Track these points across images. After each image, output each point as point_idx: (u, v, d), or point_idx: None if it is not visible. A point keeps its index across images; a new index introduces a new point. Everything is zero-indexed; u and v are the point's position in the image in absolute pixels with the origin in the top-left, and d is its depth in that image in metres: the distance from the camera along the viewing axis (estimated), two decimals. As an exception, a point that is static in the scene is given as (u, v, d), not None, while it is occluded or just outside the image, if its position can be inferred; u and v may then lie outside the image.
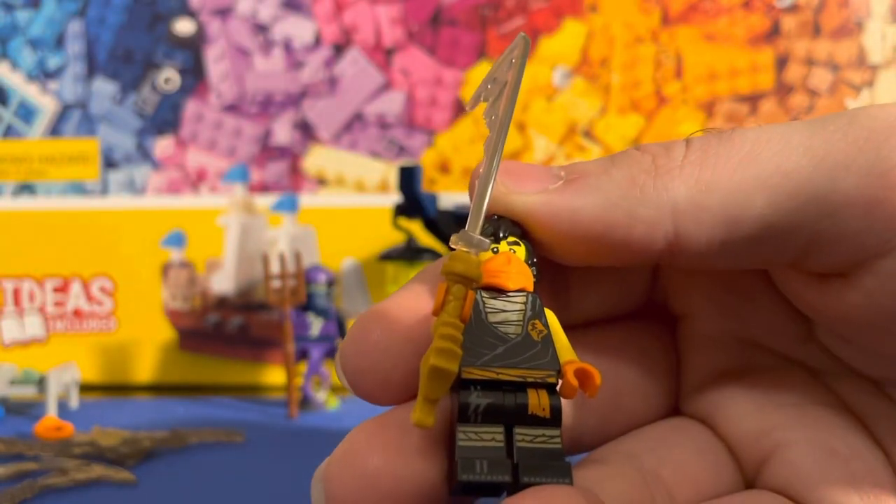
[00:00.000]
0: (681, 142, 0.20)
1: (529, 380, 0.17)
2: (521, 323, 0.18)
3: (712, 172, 0.18)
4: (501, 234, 0.19)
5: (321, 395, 0.58)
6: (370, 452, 0.17)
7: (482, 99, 0.21)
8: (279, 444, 0.49)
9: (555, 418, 0.17)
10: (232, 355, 0.69)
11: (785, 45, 0.69)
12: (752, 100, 0.69)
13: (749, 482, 0.22)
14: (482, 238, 0.18)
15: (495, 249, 0.19)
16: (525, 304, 0.19)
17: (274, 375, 0.69)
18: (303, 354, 0.58)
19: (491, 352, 0.18)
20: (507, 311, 0.18)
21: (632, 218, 0.19)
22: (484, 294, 0.18)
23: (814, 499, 0.20)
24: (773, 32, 0.69)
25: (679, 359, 0.24)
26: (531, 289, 0.19)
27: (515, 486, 0.17)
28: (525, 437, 0.17)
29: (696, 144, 0.19)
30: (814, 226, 0.18)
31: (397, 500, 0.17)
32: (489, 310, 0.18)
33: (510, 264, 0.19)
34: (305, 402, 0.58)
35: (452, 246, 0.18)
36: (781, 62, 0.69)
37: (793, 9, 0.69)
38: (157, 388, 0.69)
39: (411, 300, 0.19)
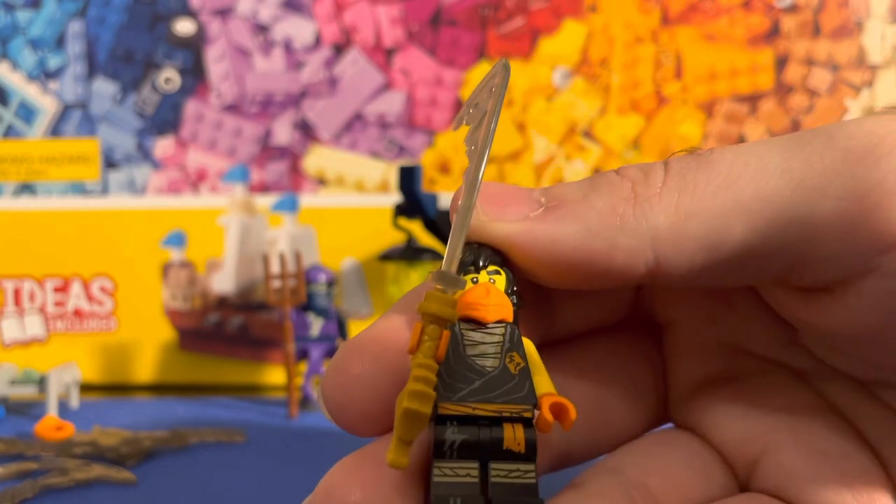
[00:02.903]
0: (660, 165, 0.19)
1: (505, 414, 0.17)
2: (498, 355, 0.18)
3: (691, 199, 0.18)
4: (482, 263, 0.19)
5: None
6: (349, 490, 0.17)
7: (465, 123, 0.20)
8: (279, 444, 0.49)
9: (529, 453, 0.17)
10: (232, 355, 0.69)
11: (785, 45, 0.69)
12: (752, 100, 0.70)
13: (742, 487, 0.22)
14: (457, 277, 0.18)
15: (475, 279, 0.19)
16: (503, 336, 0.18)
17: (274, 375, 0.69)
18: (303, 354, 0.58)
19: (468, 386, 0.17)
20: (485, 343, 0.18)
21: (612, 247, 0.19)
22: (463, 326, 0.18)
23: (806, 499, 0.20)
24: (773, 32, 0.69)
25: (665, 368, 0.24)
26: (510, 319, 0.19)
27: None
28: (500, 472, 0.17)
29: (674, 169, 0.19)
30: (794, 248, 0.18)
31: None
32: (467, 342, 0.18)
33: (489, 296, 0.19)
34: (305, 402, 0.58)
35: (430, 283, 0.18)
36: (781, 62, 0.69)
37: (793, 9, 0.69)
38: (157, 388, 0.69)
39: (390, 331, 0.19)
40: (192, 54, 0.70)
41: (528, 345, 0.19)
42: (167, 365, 0.69)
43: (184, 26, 0.70)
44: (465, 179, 0.19)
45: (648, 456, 0.21)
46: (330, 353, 0.59)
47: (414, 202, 0.59)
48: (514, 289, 0.19)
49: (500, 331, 0.18)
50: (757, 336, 0.23)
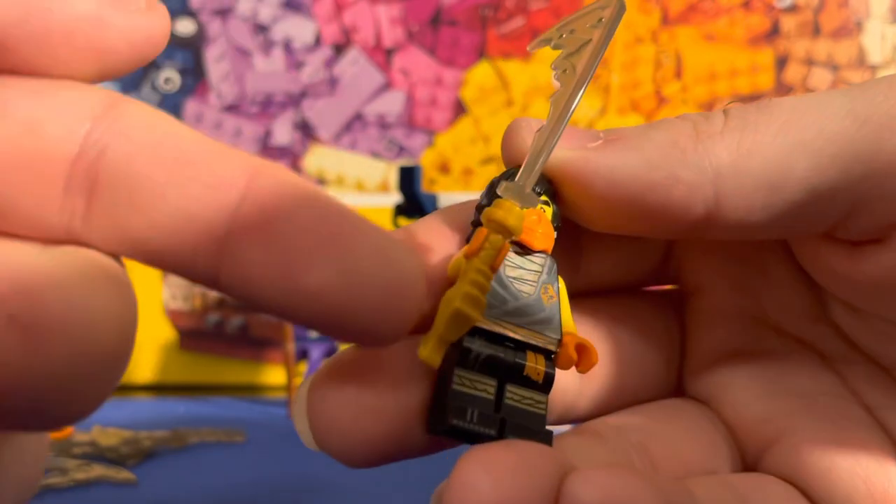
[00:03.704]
0: (719, 111, 0.19)
1: (532, 342, 0.18)
2: (535, 284, 0.18)
3: (753, 138, 0.18)
4: (536, 191, 0.19)
5: (321, 395, 0.58)
6: (354, 372, 0.17)
7: (553, 47, 0.20)
8: (279, 444, 0.49)
9: (546, 385, 0.18)
10: (232, 355, 0.69)
11: (785, 45, 0.69)
12: (753, 100, 0.69)
13: (749, 467, 0.22)
14: (532, 194, 0.17)
15: None
16: (543, 266, 0.19)
17: (274, 375, 0.69)
18: (303, 354, 0.58)
19: (502, 306, 0.18)
20: (526, 268, 0.18)
21: (672, 180, 0.18)
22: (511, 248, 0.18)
23: (818, 487, 0.20)
24: (773, 32, 0.69)
25: (686, 337, 0.23)
26: (550, 252, 0.19)
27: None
28: (515, 395, 0.17)
29: (734, 113, 0.19)
30: (857, 188, 0.18)
31: (376, 420, 0.17)
32: (509, 264, 0.18)
33: (540, 223, 0.19)
34: (305, 402, 0.58)
35: (500, 193, 0.17)
36: (781, 62, 0.69)
37: (793, 9, 0.69)
38: (157, 388, 0.69)
39: (435, 234, 0.19)
40: (191, 54, 0.70)
41: (561, 283, 0.19)
42: (167, 365, 0.69)
43: (184, 26, 0.70)
44: (555, 103, 0.18)
45: (654, 421, 0.21)
46: (330, 353, 0.59)
47: (414, 202, 0.59)
48: (559, 224, 0.19)
49: (541, 260, 0.19)
50: (786, 308, 0.22)
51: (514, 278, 0.18)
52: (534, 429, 0.17)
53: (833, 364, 0.22)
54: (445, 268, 0.18)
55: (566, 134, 0.19)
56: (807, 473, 0.20)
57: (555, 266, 0.19)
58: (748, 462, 0.22)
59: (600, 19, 0.19)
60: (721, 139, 0.18)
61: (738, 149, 0.18)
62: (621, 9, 0.19)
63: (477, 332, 0.17)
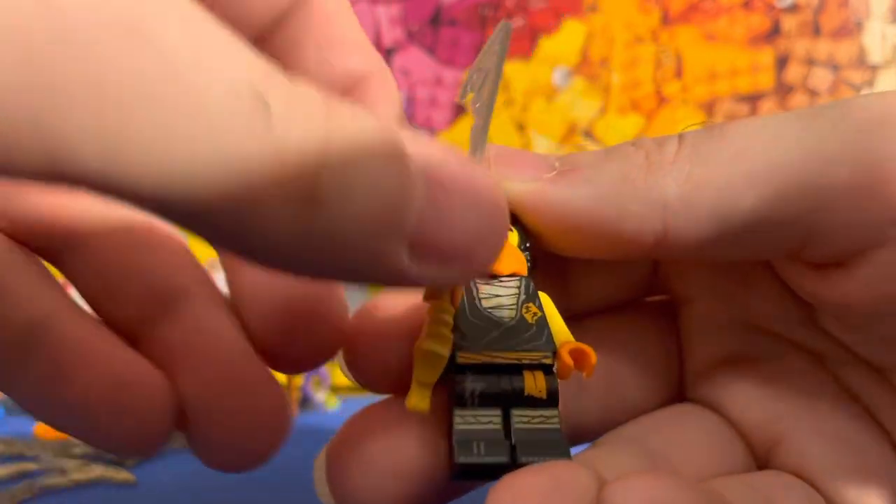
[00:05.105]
0: (674, 137, 0.20)
1: (525, 362, 0.18)
2: (514, 307, 0.18)
3: (702, 169, 0.18)
4: None
5: (321, 395, 0.58)
6: (369, 436, 0.17)
7: (471, 89, 0.21)
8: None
9: (551, 399, 0.18)
10: (232, 355, 0.69)
11: (785, 44, 0.69)
12: (752, 100, 0.69)
13: (761, 465, 0.22)
14: None
15: None
16: (518, 288, 0.19)
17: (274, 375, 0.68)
18: (303, 354, 0.58)
19: (485, 336, 0.18)
20: (501, 295, 0.18)
21: (622, 213, 0.19)
22: (477, 280, 0.19)
23: (827, 487, 0.20)
24: (774, 32, 0.69)
25: (682, 345, 0.24)
26: (524, 273, 0.19)
27: (514, 467, 0.17)
28: (523, 418, 0.17)
29: (688, 140, 0.19)
30: (807, 219, 0.18)
31: (397, 481, 0.17)
32: (483, 296, 0.18)
33: (504, 249, 0.18)
34: (305, 402, 0.58)
35: None
36: (782, 62, 0.69)
37: (793, 9, 0.69)
38: (156, 388, 0.69)
39: (398, 299, 0.19)
40: (191, 54, 0.70)
41: (545, 297, 0.19)
42: (167, 365, 0.69)
43: (183, 26, 0.70)
44: (473, 136, 0.19)
45: (668, 426, 0.21)
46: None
47: (414, 202, 0.59)
48: (527, 245, 0.19)
49: (515, 283, 0.19)
50: (774, 314, 0.23)
51: (492, 308, 0.18)
52: (550, 443, 0.17)
53: (829, 365, 0.22)
54: (412, 323, 0.18)
55: (522, 162, 0.20)
56: (815, 472, 0.20)
57: (531, 284, 0.19)
58: (758, 460, 0.22)
59: (493, 48, 0.20)
60: (671, 170, 0.19)
61: (688, 180, 0.18)
62: (505, 30, 0.20)
63: (466, 368, 0.17)
